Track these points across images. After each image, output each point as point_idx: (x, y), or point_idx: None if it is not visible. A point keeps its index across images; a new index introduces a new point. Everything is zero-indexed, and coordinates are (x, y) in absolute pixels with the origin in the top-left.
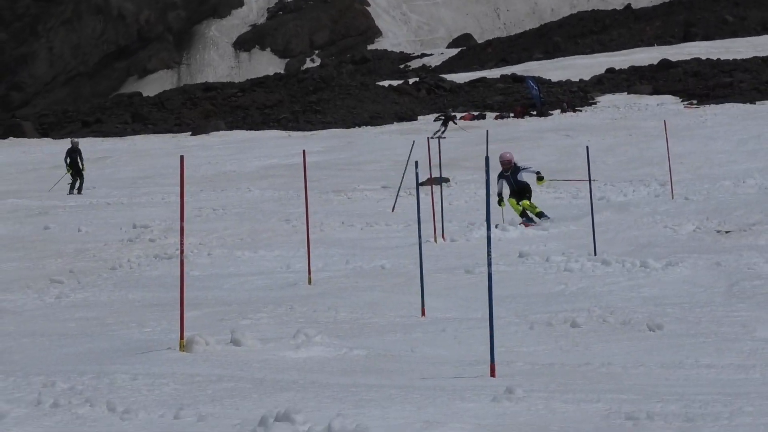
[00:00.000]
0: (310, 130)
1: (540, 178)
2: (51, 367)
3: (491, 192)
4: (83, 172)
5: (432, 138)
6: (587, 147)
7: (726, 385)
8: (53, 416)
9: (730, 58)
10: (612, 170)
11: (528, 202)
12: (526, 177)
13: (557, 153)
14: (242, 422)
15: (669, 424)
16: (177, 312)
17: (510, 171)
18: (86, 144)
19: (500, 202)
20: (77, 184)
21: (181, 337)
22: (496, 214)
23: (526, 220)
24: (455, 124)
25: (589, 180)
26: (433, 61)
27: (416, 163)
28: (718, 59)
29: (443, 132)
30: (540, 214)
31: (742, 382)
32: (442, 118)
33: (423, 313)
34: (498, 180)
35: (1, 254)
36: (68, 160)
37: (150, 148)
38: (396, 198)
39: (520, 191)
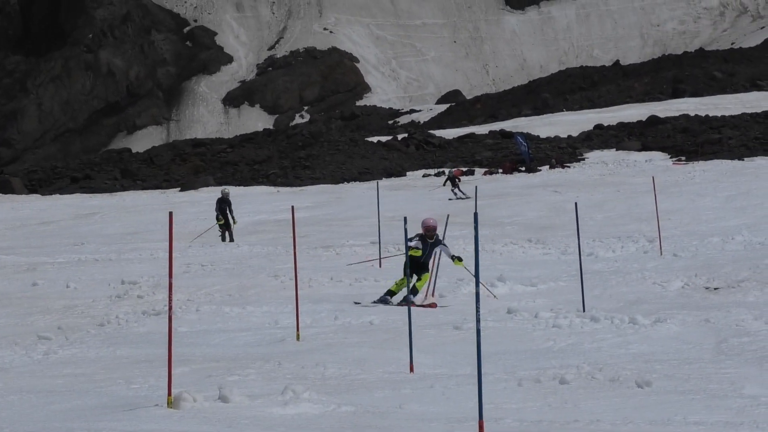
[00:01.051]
0: (299, 185)
1: (457, 259)
2: (39, 425)
3: (411, 245)
4: (233, 224)
5: (455, 198)
6: (576, 203)
7: None
8: None
9: (719, 115)
10: (600, 226)
11: (422, 283)
12: (442, 254)
13: (546, 209)
14: None
15: None
16: (165, 368)
17: (434, 240)
18: (75, 200)
19: (413, 248)
20: (228, 235)
21: (169, 394)
22: (486, 269)
23: (404, 301)
24: (459, 182)
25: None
26: (422, 117)
27: (405, 218)
28: (707, 116)
29: (458, 191)
30: (415, 292)
31: None
32: (448, 180)
33: (411, 369)
34: (414, 238)
35: None
36: (218, 211)
37: (139, 204)
38: (380, 253)
39: (423, 264)
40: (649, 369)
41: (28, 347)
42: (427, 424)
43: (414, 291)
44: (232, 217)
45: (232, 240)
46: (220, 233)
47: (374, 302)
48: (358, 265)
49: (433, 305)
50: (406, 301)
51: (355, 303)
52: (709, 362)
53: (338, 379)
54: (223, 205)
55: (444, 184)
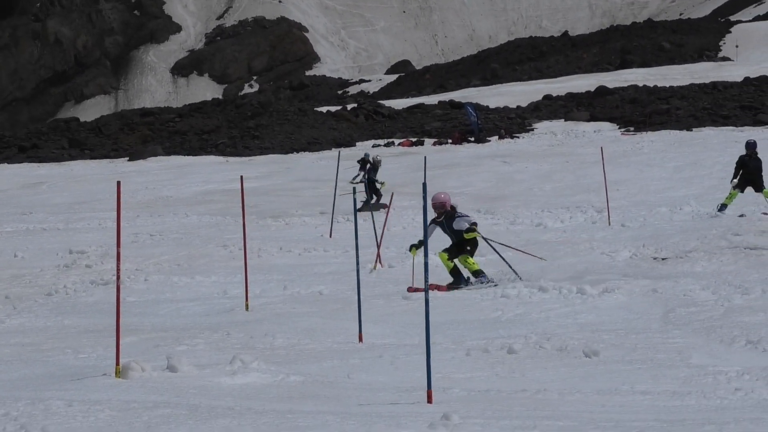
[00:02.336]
0: (248, 155)
1: (469, 230)
2: None
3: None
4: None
5: (351, 183)
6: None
7: (661, 411)
8: None
9: (667, 85)
10: (549, 197)
11: (464, 259)
12: (460, 226)
13: (495, 179)
14: None
15: None
16: (113, 338)
17: (444, 217)
18: (22, 169)
19: (412, 247)
20: (372, 200)
21: (117, 364)
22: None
23: (455, 283)
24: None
25: (535, 255)
26: (372, 87)
27: (354, 188)
28: (655, 86)
29: (364, 176)
30: (478, 273)
31: (678, 409)
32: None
33: (360, 339)
34: (429, 225)
35: None
36: (365, 176)
37: (87, 173)
38: (331, 223)
39: (459, 243)
40: (597, 339)
41: None
42: (375, 393)
43: (477, 273)
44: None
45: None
46: (363, 200)
47: (448, 287)
48: (308, 235)
49: (439, 287)
50: (479, 282)
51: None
52: (656, 332)
53: (287, 349)
54: (372, 174)
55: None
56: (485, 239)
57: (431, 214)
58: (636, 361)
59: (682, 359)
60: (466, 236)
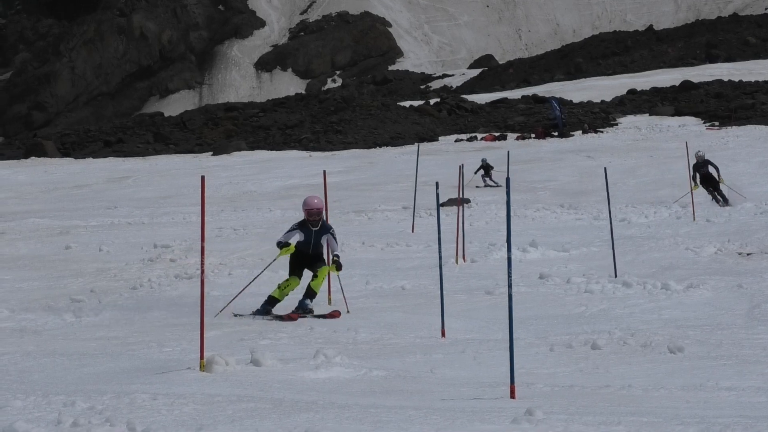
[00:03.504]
0: (331, 150)
1: (338, 267)
2: (71, 387)
3: (284, 238)
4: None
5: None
6: (605, 169)
7: (746, 408)
8: None
9: (752, 80)
10: (633, 192)
11: (319, 281)
12: (326, 246)
13: (578, 174)
14: None
15: None
16: (197, 332)
17: (318, 226)
18: (108, 163)
19: (284, 247)
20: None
21: (201, 357)
22: (518, 234)
23: (300, 308)
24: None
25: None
26: (455, 82)
27: (437, 183)
28: (740, 81)
29: (490, 179)
30: (313, 294)
31: (763, 405)
32: (481, 168)
33: (443, 334)
34: (293, 230)
35: (23, 274)
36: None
37: (171, 168)
38: (413, 218)
39: (312, 258)
40: (682, 334)
41: (61, 310)
42: (458, 388)
43: (311, 294)
44: (718, 174)
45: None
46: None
47: (253, 314)
48: (390, 230)
49: (335, 314)
50: (302, 309)
51: (235, 315)
52: (741, 328)
53: (370, 344)
54: (703, 169)
55: (476, 173)
56: (343, 292)
57: (296, 219)
58: (721, 357)
59: (767, 355)
60: (332, 271)
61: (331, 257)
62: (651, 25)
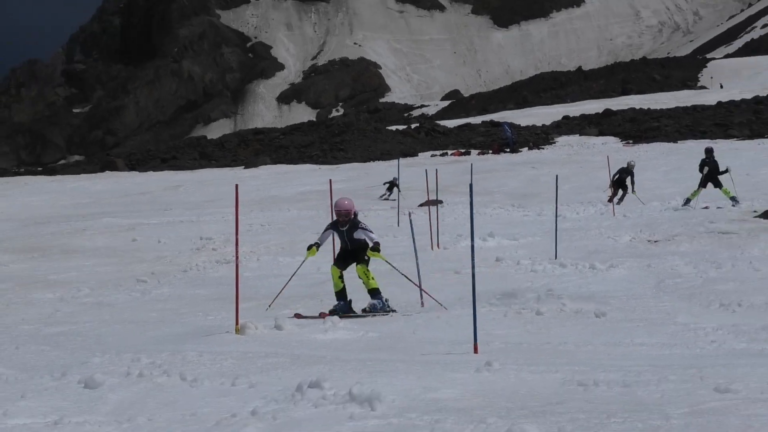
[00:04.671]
0: (335, 164)
1: (375, 249)
2: (137, 347)
3: (319, 241)
4: (630, 192)
5: (381, 198)
6: (556, 176)
7: (654, 359)
8: (139, 384)
9: (657, 108)
10: (567, 194)
11: (364, 270)
12: (360, 237)
13: (525, 181)
14: (284, 388)
15: (610, 389)
16: (233, 304)
17: (347, 226)
18: (164, 176)
19: (312, 248)
20: (620, 199)
21: (237, 323)
22: (479, 227)
23: (340, 306)
24: (398, 190)
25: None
26: (430, 111)
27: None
28: (648, 108)
29: (389, 195)
30: (375, 292)
31: (667, 357)
32: (388, 183)
33: (422, 304)
34: (326, 230)
35: (99, 260)
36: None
37: (213, 178)
38: (398, 215)
39: (354, 252)
40: (605, 303)
41: (129, 288)
42: (434, 346)
43: (372, 294)
44: (632, 186)
45: (619, 202)
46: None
47: (330, 312)
48: (381, 224)
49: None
50: (375, 310)
51: (296, 316)
52: (650, 298)
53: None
54: (624, 175)
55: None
56: (390, 264)
57: (320, 220)
58: (635, 320)
59: (670, 318)
60: (371, 255)
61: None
62: (580, 67)
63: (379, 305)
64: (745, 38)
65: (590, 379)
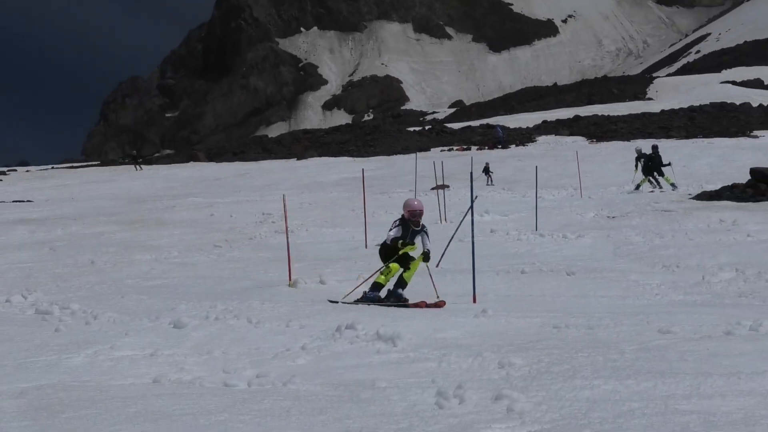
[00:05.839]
0: (367, 156)
1: (426, 258)
2: (214, 296)
3: (392, 236)
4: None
5: (488, 185)
6: (536, 167)
7: (612, 307)
8: (215, 325)
9: (615, 114)
10: (545, 181)
11: (410, 273)
12: (419, 244)
13: (513, 170)
14: (326, 329)
15: (578, 331)
16: (287, 264)
17: (420, 227)
18: (235, 166)
19: (404, 245)
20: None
21: (290, 279)
22: (477, 206)
23: (393, 296)
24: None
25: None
26: (440, 116)
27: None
28: (608, 115)
29: (490, 181)
30: (400, 287)
31: (621, 306)
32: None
33: (437, 265)
34: (397, 227)
35: (185, 230)
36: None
37: (273, 168)
38: (415, 196)
39: (404, 256)
40: (574, 264)
41: (208, 251)
42: (443, 296)
43: (402, 284)
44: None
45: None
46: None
47: (357, 301)
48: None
49: (441, 303)
50: (395, 298)
51: (331, 301)
52: (609, 261)
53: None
54: (648, 161)
55: (483, 172)
56: (430, 274)
57: (389, 218)
58: (597, 278)
59: (624, 276)
60: (419, 261)
61: (422, 250)
62: (555, 83)
63: (402, 294)
64: (683, 61)
65: (562, 323)
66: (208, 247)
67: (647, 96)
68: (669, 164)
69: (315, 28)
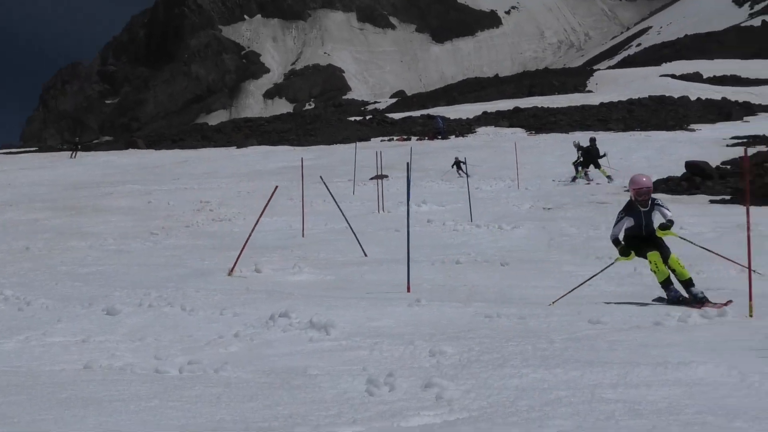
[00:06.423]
0: (307, 145)
1: (664, 228)
2: (148, 284)
3: (615, 233)
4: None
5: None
6: (465, 158)
7: (544, 298)
8: (148, 312)
9: (554, 107)
10: (484, 171)
11: (676, 260)
12: (657, 220)
13: (452, 161)
14: (260, 317)
15: (509, 320)
16: (224, 252)
17: (649, 205)
18: (174, 153)
19: (624, 251)
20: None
21: (228, 267)
22: (414, 196)
23: (674, 294)
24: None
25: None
26: (381, 106)
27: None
28: (548, 107)
29: (461, 172)
30: (689, 283)
31: (554, 296)
32: (456, 163)
33: (366, 255)
34: (621, 219)
35: (122, 217)
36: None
37: (212, 156)
38: (354, 186)
39: (648, 238)
40: (508, 255)
41: (144, 239)
42: (376, 286)
43: (688, 283)
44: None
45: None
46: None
47: (669, 301)
48: (341, 193)
49: (728, 303)
50: (696, 299)
51: (656, 300)
52: (543, 252)
53: (326, 260)
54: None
55: (452, 167)
56: (685, 239)
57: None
58: (531, 268)
59: (558, 267)
60: (660, 234)
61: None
62: (497, 74)
63: (698, 293)
64: (624, 54)
65: (494, 313)
66: (144, 235)
67: (587, 89)
68: (605, 155)
69: (258, 15)
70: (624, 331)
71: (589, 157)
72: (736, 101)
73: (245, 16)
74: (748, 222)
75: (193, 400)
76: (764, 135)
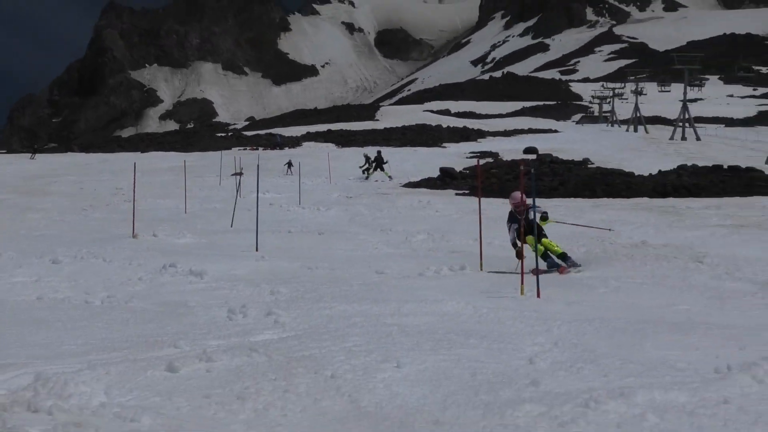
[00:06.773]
0: (190, 152)
1: (544, 219)
2: (81, 243)
3: (510, 238)
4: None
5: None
6: (299, 162)
7: (347, 257)
8: (81, 262)
9: (354, 129)
10: (308, 171)
11: (548, 241)
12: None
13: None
14: (156, 267)
15: (324, 271)
16: (131, 223)
17: (525, 214)
18: (100, 156)
19: (518, 254)
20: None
21: (133, 233)
22: (261, 187)
23: (550, 263)
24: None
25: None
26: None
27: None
28: (350, 129)
29: (291, 171)
30: (564, 256)
31: (354, 256)
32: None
33: (231, 225)
34: (510, 227)
35: (62, 198)
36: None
37: (124, 158)
38: (220, 179)
39: (531, 230)
40: (323, 227)
41: (77, 213)
42: (235, 248)
43: (564, 256)
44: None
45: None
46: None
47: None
48: (209, 183)
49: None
50: (569, 264)
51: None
52: (347, 226)
53: (202, 229)
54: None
55: (367, 164)
56: (558, 221)
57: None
58: (339, 237)
59: (357, 236)
60: (542, 224)
61: (537, 219)
62: (316, 107)
63: (576, 263)
64: (400, 96)
65: (314, 266)
66: (78, 210)
67: (376, 118)
68: (387, 162)
69: (155, 64)
70: (399, 279)
71: (377, 163)
72: (473, 128)
73: (146, 65)
74: (479, 208)
75: (111, 322)
76: (491, 151)
